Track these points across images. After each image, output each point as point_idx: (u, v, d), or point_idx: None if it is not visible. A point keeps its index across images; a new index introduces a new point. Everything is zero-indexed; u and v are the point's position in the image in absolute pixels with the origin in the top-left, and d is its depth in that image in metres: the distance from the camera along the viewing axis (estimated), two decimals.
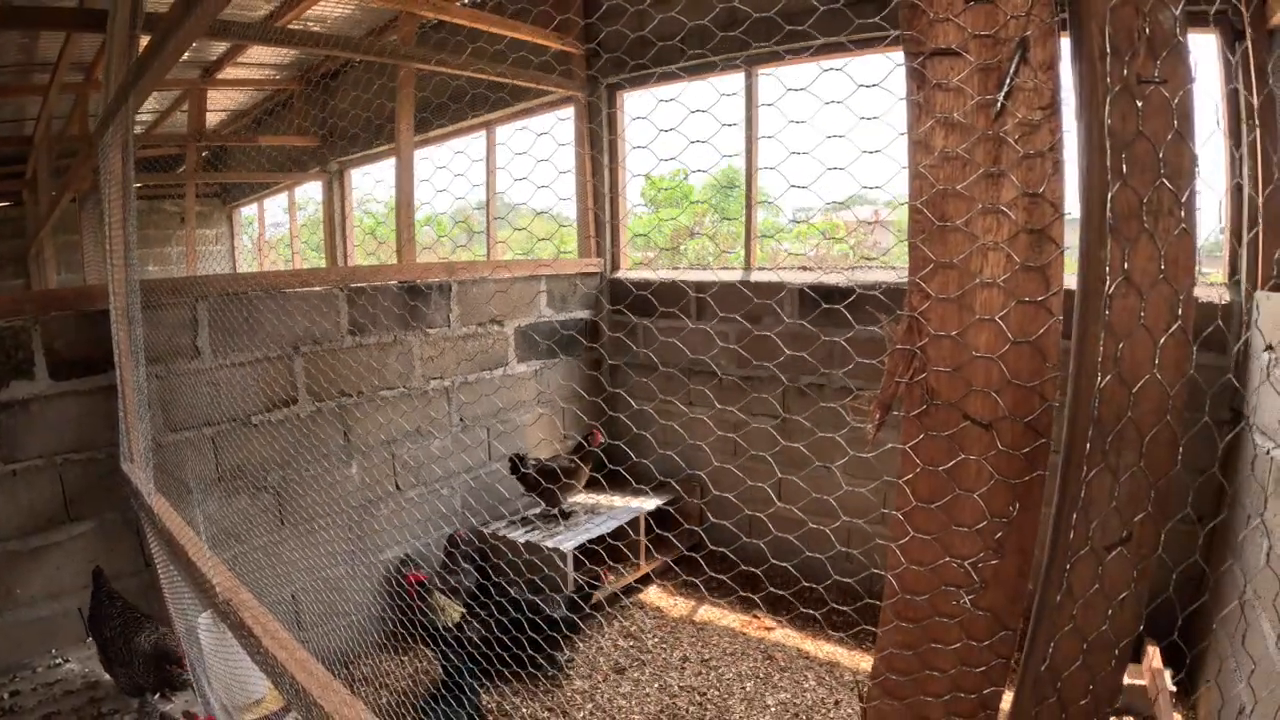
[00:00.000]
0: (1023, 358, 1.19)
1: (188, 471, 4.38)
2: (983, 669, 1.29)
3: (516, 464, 5.75)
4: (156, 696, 3.50)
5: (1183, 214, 1.01)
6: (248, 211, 15.00)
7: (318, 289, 5.03)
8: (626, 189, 6.80)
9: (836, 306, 5.13)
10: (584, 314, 6.66)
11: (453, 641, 4.46)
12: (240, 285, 4.77)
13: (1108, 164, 0.98)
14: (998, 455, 1.24)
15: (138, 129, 4.28)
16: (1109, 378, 1.02)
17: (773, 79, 5.86)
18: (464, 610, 4.89)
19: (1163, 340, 1.03)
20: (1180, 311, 1.03)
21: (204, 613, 3.83)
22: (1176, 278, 1.02)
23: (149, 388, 3.85)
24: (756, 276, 5.90)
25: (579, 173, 6.61)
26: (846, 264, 6.16)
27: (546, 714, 4.52)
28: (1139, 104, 0.99)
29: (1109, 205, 0.98)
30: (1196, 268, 1.04)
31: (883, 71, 2.77)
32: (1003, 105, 1.13)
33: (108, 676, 3.60)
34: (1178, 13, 0.99)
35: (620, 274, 6.70)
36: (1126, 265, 1.01)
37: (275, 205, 13.99)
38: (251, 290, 4.73)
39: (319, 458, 4.98)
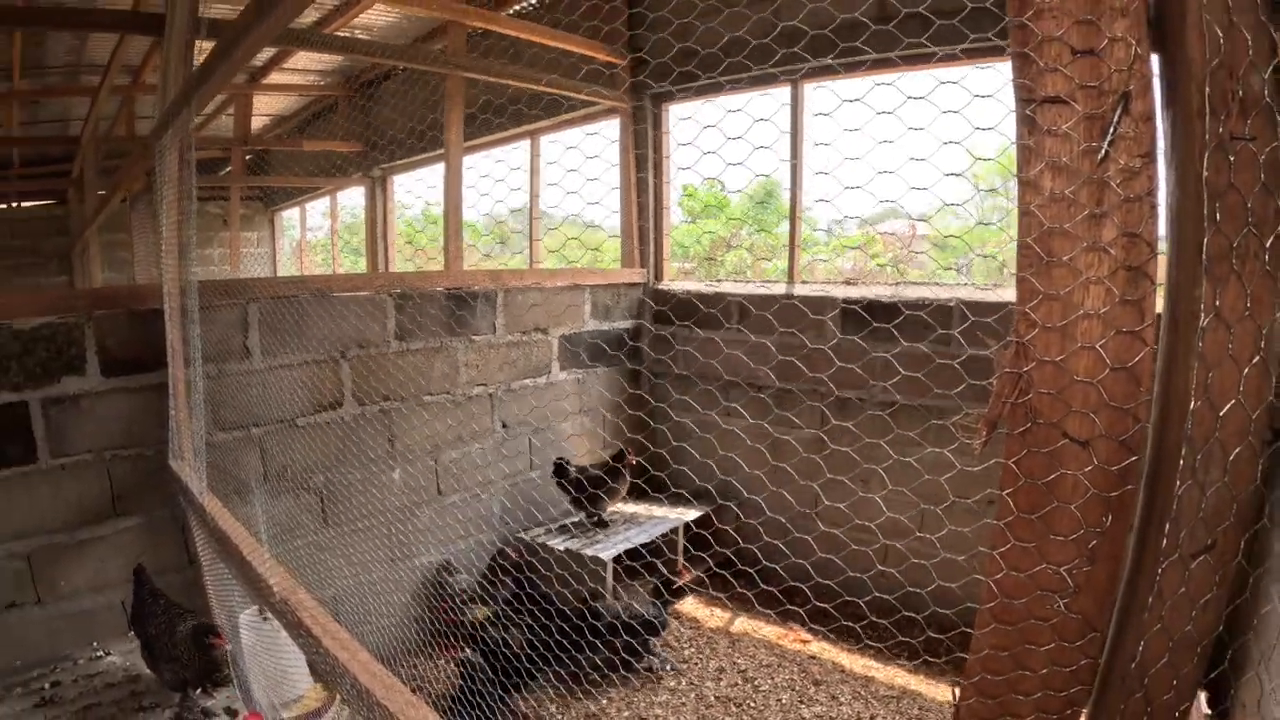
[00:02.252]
0: (1119, 382, 1.28)
1: (247, 470, 4.48)
2: (1072, 669, 1.38)
3: (561, 469, 5.82)
4: (199, 692, 3.54)
5: (1266, 257, 1.11)
6: (289, 215, 15.22)
7: (367, 294, 5.12)
8: (670, 199, 6.84)
9: (880, 323, 5.15)
10: (627, 324, 6.73)
11: (488, 640, 4.54)
12: (291, 288, 4.85)
13: (1203, 212, 1.07)
14: (1094, 470, 1.34)
15: None
16: (1200, 402, 1.12)
17: (821, 92, 5.89)
18: (492, 612, 4.94)
19: (1246, 370, 1.13)
20: (1262, 345, 1.12)
21: (246, 611, 3.92)
22: (1260, 314, 1.12)
23: (199, 389, 3.95)
24: (800, 290, 5.92)
25: (623, 183, 6.68)
26: (890, 279, 6.18)
27: None
28: (1230, 159, 1.09)
29: (1204, 249, 1.07)
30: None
31: (927, 87, 2.85)
32: (1106, 152, 1.21)
33: (149, 671, 3.63)
34: (1266, 76, 1.08)
35: (663, 284, 6.76)
36: (1218, 303, 1.11)
37: (315, 210, 14.16)
38: (301, 293, 4.83)
39: (363, 461, 5.06)
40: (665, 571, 5.41)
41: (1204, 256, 1.11)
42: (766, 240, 9.20)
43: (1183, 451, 1.17)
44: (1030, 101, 1.27)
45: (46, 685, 3.68)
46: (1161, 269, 1.28)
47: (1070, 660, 1.38)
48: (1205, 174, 1.07)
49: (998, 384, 1.41)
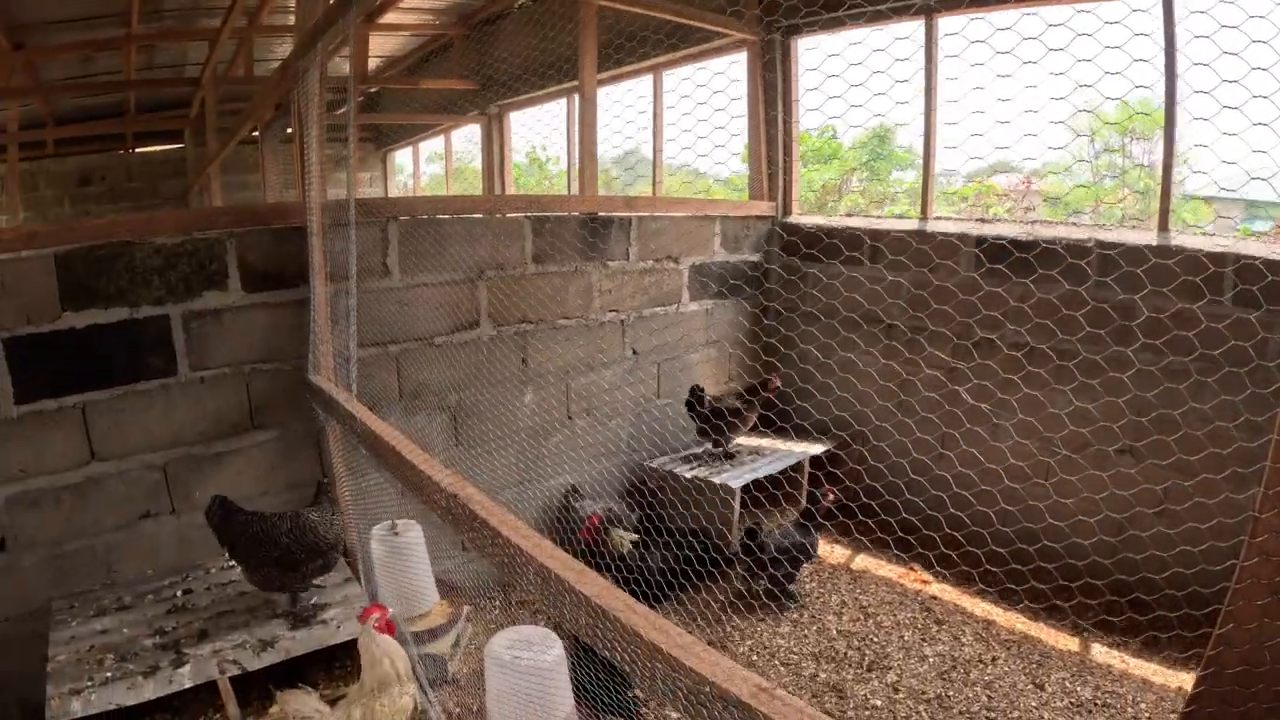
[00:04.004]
0: None
1: (383, 387, 4.59)
2: None
3: (695, 398, 5.79)
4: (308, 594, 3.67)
5: None
6: (400, 159, 15.41)
7: (504, 216, 5.15)
8: (799, 134, 6.70)
9: (1017, 262, 4.97)
10: (755, 256, 6.64)
11: (633, 569, 4.53)
12: (430, 208, 4.91)
13: None
14: None
15: None
16: None
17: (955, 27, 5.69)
18: (635, 539, 4.95)
19: None
20: None
21: (378, 526, 3.98)
22: None
23: (339, 304, 4.03)
24: (933, 225, 5.76)
25: (751, 115, 6.56)
26: (1026, 219, 5.98)
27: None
28: None
29: None
30: None
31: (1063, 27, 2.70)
32: None
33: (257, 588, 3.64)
34: None
35: (792, 218, 6.64)
36: None
37: (424, 151, 14.29)
38: (440, 213, 4.87)
39: (497, 382, 5.11)
40: (805, 499, 5.35)
41: None
42: (877, 189, 9.00)
43: None
44: None
45: (179, 593, 3.78)
46: None
47: None
48: None
49: None
